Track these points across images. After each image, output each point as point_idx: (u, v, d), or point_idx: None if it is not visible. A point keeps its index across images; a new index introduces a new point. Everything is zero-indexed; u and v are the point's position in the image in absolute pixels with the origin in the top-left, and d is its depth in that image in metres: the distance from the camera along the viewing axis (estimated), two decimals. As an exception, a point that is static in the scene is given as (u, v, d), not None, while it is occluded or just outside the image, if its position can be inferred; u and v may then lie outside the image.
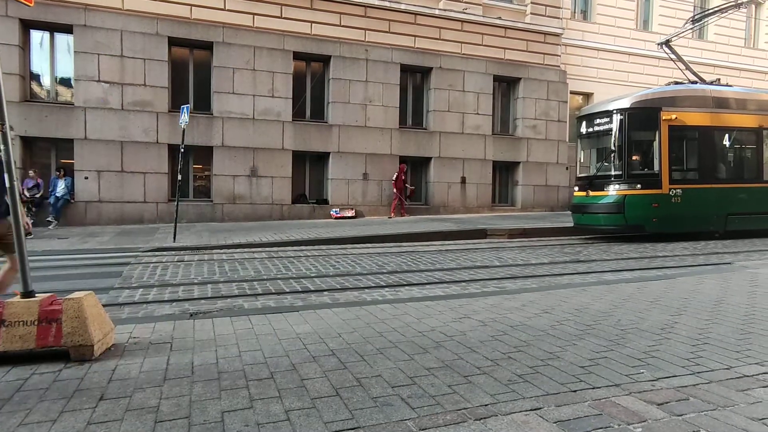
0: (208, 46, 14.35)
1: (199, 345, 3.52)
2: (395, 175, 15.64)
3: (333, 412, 2.46)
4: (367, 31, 15.76)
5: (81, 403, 2.58)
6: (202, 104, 14.52)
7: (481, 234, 12.37)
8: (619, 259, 8.94)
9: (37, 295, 3.31)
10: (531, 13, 17.81)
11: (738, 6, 13.00)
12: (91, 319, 3.24)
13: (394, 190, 15.66)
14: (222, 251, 9.53)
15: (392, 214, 15.61)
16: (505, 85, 18.22)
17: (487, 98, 17.33)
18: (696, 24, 14.64)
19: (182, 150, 10.86)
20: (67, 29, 13.16)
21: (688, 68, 12.93)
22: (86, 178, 13.27)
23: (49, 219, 12.66)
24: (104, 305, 4.25)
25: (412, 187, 16.49)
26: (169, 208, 13.46)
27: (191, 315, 4.52)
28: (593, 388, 2.73)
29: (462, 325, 4.00)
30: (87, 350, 3.19)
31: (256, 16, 14.62)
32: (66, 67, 13.59)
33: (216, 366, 3.11)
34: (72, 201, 13.17)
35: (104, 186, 13.43)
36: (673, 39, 13.07)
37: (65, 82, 13.76)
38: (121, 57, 13.41)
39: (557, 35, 18.30)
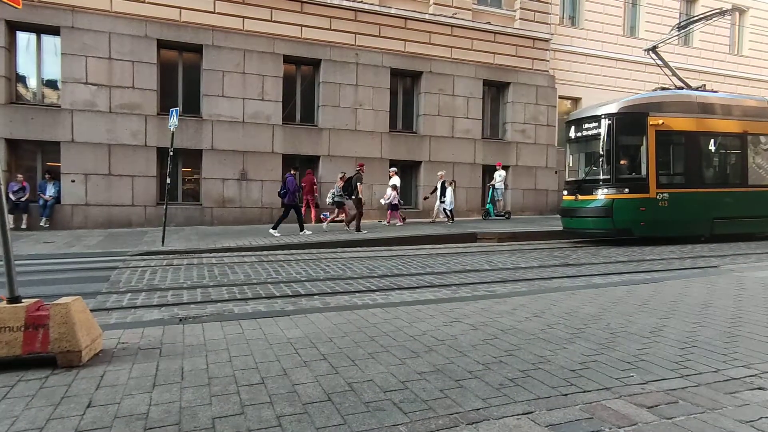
0: (197, 49, 14.27)
1: (189, 350, 3.49)
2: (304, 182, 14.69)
3: (325, 417, 2.45)
4: (357, 35, 15.78)
5: (69, 410, 2.54)
6: (192, 107, 14.42)
7: (471, 238, 12.41)
8: (607, 262, 9.02)
9: (23, 300, 3.26)
10: (520, 19, 17.96)
11: (722, 13, 13.20)
12: (79, 325, 3.19)
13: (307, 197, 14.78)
14: (211, 255, 9.46)
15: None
16: (495, 90, 18.34)
17: (476, 102, 17.43)
18: (682, 31, 14.86)
19: (171, 153, 10.77)
20: (54, 31, 13.02)
21: (674, 74, 13.12)
22: (73, 181, 13.12)
23: (41, 224, 12.72)
24: (92, 310, 4.21)
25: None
26: (158, 212, 13.36)
27: (181, 320, 4.48)
28: (584, 392, 2.75)
29: (453, 329, 4.01)
30: (75, 356, 3.14)
31: (246, 20, 14.58)
32: (53, 69, 13.43)
33: (206, 371, 3.08)
34: (59, 203, 13.05)
35: (91, 189, 13.27)
36: (659, 45, 13.25)
37: (52, 84, 13.59)
38: (109, 59, 13.29)
39: (546, 40, 18.47)
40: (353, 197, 12.86)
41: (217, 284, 6.70)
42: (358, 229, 12.64)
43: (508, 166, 18.03)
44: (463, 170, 17.14)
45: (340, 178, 13.48)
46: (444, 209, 15.04)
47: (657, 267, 8.43)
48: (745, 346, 3.55)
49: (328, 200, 13.71)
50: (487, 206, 16.61)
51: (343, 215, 13.55)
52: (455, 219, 15.45)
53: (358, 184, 12.69)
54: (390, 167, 14.94)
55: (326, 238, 11.40)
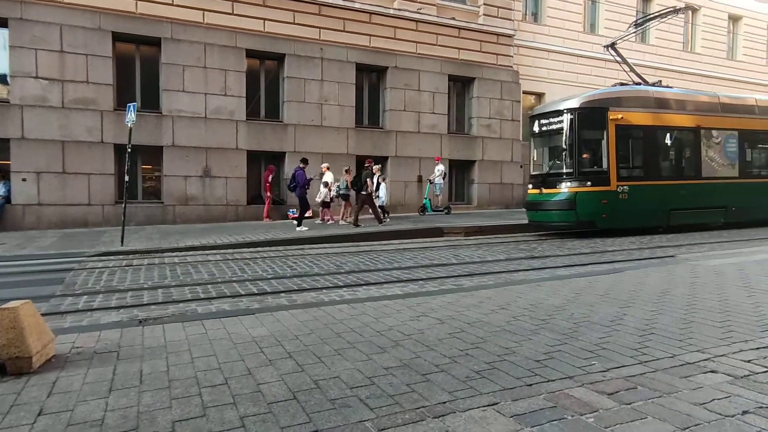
0: (155, 42, 13.83)
1: (149, 352, 3.37)
2: (269, 177, 14.71)
3: (290, 416, 2.41)
4: (321, 30, 15.62)
5: (18, 419, 2.42)
6: (151, 102, 13.99)
7: (437, 232, 12.49)
8: (571, 254, 9.23)
9: (-33, 305, 3.08)
10: (484, 15, 18.14)
11: (676, 12, 13.66)
12: (29, 330, 3.04)
13: (268, 194, 14.78)
14: (174, 254, 9.20)
15: (266, 218, 14.64)
16: (460, 85, 18.50)
17: (442, 98, 17.54)
18: (638, 28, 15.31)
19: (129, 150, 10.41)
20: (2, 23, 12.38)
21: (632, 70, 13.51)
22: (24, 179, 12.53)
23: None
24: (45, 314, 4.03)
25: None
26: (116, 211, 12.90)
27: (140, 321, 4.33)
28: (548, 381, 2.79)
29: (420, 324, 4.01)
30: (24, 362, 3.00)
31: (206, 12, 14.22)
32: (0, 63, 12.77)
33: (166, 374, 2.99)
34: (9, 204, 12.45)
35: (44, 188, 12.71)
36: (618, 42, 13.61)
37: (0, 79, 12.94)
38: (60, 52, 12.73)
39: (509, 36, 18.73)
40: (362, 192, 13.14)
41: (179, 284, 6.52)
42: (364, 221, 13.07)
43: (474, 161, 18.24)
44: (429, 165, 17.19)
45: (346, 171, 14.08)
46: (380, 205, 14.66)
47: (618, 258, 8.68)
48: (699, 332, 3.68)
49: (333, 194, 13.93)
50: (424, 201, 16.30)
51: (350, 209, 13.97)
52: (389, 215, 15.07)
53: (368, 179, 13.08)
54: (322, 163, 14.32)
55: (294, 235, 11.27)
